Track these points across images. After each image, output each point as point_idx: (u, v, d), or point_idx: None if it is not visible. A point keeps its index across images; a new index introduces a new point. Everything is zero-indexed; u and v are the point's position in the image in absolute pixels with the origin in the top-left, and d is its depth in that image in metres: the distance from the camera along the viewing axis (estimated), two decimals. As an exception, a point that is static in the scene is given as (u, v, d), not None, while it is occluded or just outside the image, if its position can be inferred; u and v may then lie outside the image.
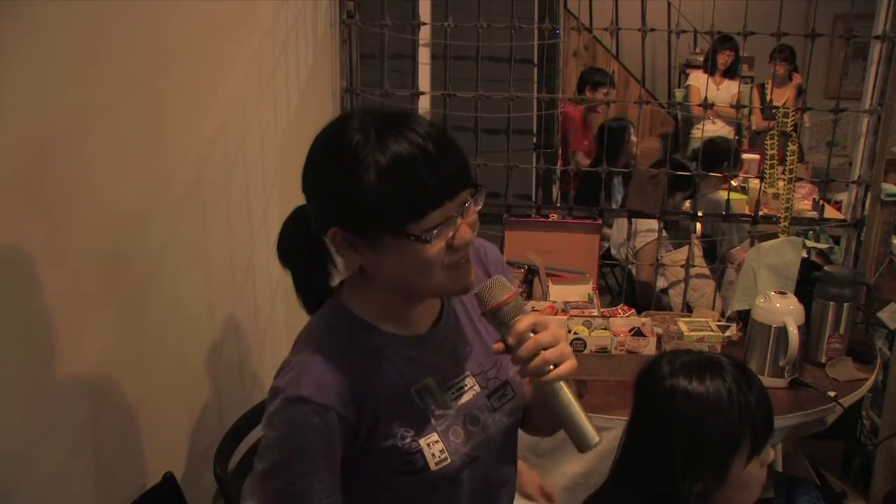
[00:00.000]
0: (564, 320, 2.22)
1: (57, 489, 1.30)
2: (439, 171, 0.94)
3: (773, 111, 2.59)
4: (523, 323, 1.01)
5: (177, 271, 1.66)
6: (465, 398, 1.12)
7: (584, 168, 3.77)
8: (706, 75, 4.79)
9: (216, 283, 1.87)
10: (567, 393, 1.02)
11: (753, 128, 5.12)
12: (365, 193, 0.94)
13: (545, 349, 1.00)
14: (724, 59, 4.97)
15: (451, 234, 0.98)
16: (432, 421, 1.08)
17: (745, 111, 4.81)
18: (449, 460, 1.08)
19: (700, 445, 1.19)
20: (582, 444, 1.03)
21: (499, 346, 1.03)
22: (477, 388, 1.14)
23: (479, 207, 1.02)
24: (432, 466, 1.07)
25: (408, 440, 1.06)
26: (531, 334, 1.01)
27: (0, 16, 1.11)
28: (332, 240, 1.02)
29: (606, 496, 1.31)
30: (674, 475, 1.19)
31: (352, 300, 1.09)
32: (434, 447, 1.07)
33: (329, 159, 0.98)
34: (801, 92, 4.66)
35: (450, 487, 1.11)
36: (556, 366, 1.00)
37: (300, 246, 1.09)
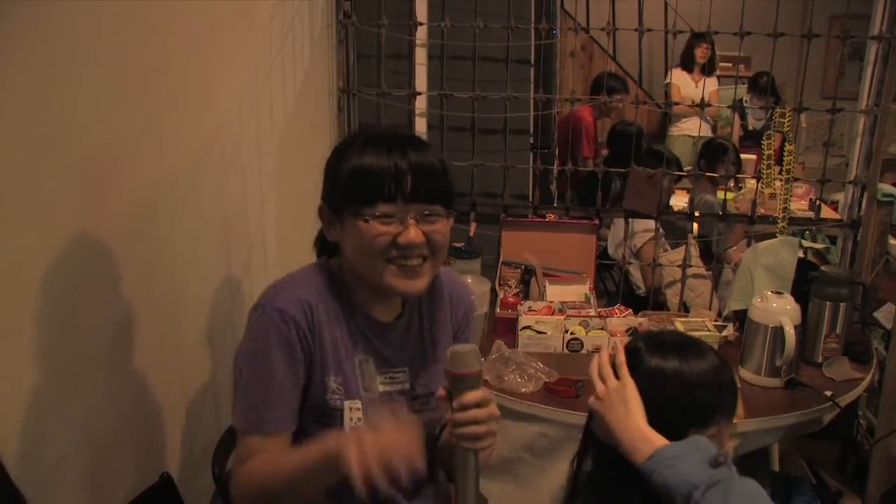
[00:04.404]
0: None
1: (53, 490, 1.30)
2: (401, 180, 1.13)
3: (770, 112, 2.59)
4: (473, 396, 1.10)
5: (173, 271, 1.66)
6: (393, 388, 1.27)
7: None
8: (685, 72, 4.75)
9: (213, 283, 1.86)
10: (473, 463, 1.12)
11: (749, 127, 5.12)
12: (339, 177, 1.17)
13: (477, 423, 1.10)
14: (702, 52, 4.94)
15: (398, 230, 1.14)
16: (361, 392, 1.23)
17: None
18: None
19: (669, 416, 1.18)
20: None
21: (442, 393, 1.13)
22: (406, 385, 1.29)
23: (447, 228, 1.19)
24: (346, 428, 1.20)
25: (336, 397, 1.21)
26: (474, 408, 1.10)
27: (0, 16, 1.11)
28: (319, 213, 1.24)
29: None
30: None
31: (337, 266, 1.28)
32: (354, 413, 1.21)
33: (333, 151, 1.23)
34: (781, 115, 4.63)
35: None
36: (477, 440, 1.10)
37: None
